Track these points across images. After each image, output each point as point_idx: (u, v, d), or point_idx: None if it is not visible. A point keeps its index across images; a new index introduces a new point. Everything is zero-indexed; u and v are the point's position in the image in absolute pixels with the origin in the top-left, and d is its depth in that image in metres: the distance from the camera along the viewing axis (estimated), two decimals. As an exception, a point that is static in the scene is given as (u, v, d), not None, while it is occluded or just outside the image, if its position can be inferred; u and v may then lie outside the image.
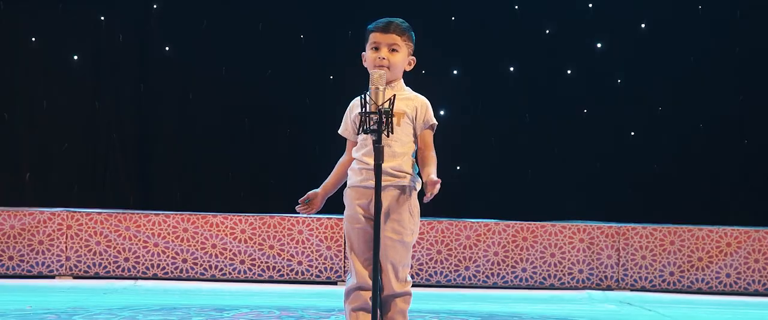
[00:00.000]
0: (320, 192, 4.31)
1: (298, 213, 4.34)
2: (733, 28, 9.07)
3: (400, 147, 4.20)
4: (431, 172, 4.15)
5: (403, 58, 4.27)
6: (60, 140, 8.98)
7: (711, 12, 9.09)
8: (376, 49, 4.24)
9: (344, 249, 8.16)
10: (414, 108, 4.25)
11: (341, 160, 4.35)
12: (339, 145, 4.47)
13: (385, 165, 4.10)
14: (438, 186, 4.07)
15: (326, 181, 4.34)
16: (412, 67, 4.33)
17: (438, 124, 4.34)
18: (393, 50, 4.23)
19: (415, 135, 4.27)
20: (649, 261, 8.24)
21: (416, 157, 4.31)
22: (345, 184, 4.31)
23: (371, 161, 3.98)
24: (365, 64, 4.33)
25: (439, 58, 8.88)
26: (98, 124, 9.05)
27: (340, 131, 4.36)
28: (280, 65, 9.07)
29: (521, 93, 9.11)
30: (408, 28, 4.27)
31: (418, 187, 4.27)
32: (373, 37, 4.24)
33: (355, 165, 4.25)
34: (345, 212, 4.28)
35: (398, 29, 4.23)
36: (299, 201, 4.30)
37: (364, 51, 4.33)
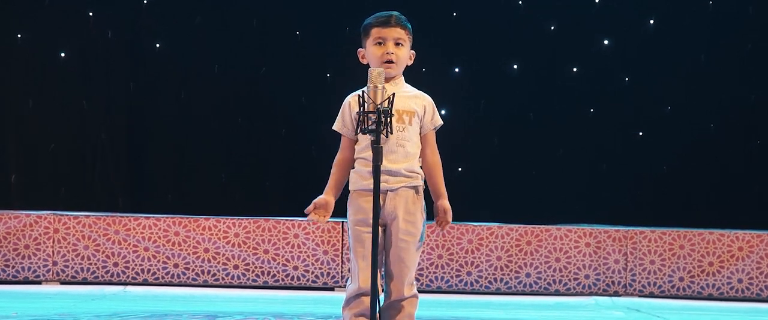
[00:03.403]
0: (331, 199, 4.23)
1: (308, 217, 4.26)
2: (745, 25, 9.06)
3: (412, 147, 4.23)
4: (443, 194, 4.24)
5: (407, 52, 4.28)
6: (47, 140, 8.96)
7: (722, 8, 9.08)
8: (380, 44, 4.23)
9: (341, 253, 8.15)
10: (423, 107, 4.26)
11: (338, 158, 4.31)
12: (337, 146, 4.45)
13: (398, 166, 4.16)
14: (450, 215, 4.21)
15: (331, 186, 4.25)
16: (412, 61, 4.34)
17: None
18: (398, 44, 4.23)
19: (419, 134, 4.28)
20: (658, 265, 8.23)
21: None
22: (346, 189, 4.30)
23: (383, 162, 3.97)
24: (364, 61, 4.32)
25: (439, 56, 8.87)
26: (87, 124, 9.03)
27: (334, 127, 4.32)
28: (276, 63, 9.06)
29: (525, 91, 9.10)
30: (407, 21, 4.28)
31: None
32: (376, 32, 4.23)
33: (361, 168, 4.22)
34: (351, 217, 4.25)
35: (400, 22, 4.24)
36: (309, 210, 4.22)
37: (361, 47, 4.32)
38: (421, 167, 4.28)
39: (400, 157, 4.17)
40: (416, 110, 4.23)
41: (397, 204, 4.18)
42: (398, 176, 4.17)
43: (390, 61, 4.19)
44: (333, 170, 4.29)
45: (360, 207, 4.21)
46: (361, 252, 4.20)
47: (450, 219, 4.25)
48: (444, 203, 4.24)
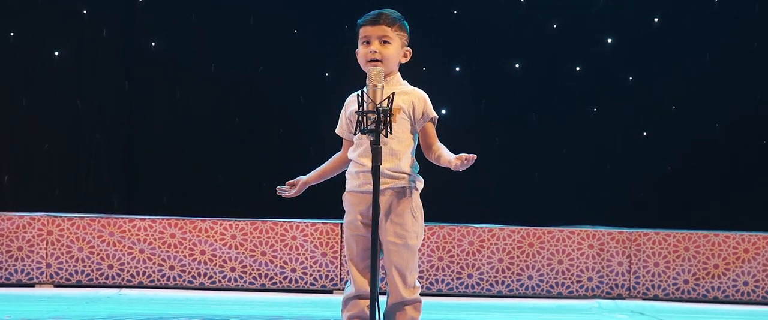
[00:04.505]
0: (304, 178, 4.35)
1: (277, 193, 4.38)
2: (751, 23, 9.05)
3: (396, 144, 4.19)
4: (452, 155, 4.12)
5: (396, 49, 4.25)
6: (40, 141, 8.95)
7: (727, 6, 9.07)
8: (367, 43, 4.23)
9: (340, 256, 8.15)
10: (410, 102, 4.23)
11: (336, 155, 4.38)
12: (335, 146, 4.46)
13: (381, 167, 4.09)
14: (470, 158, 4.01)
15: (314, 170, 4.39)
16: (408, 58, 4.32)
17: (438, 124, 4.35)
18: (384, 42, 4.21)
19: (413, 131, 4.26)
20: (662, 268, 8.22)
21: (416, 155, 4.31)
22: (343, 188, 4.31)
23: (368, 163, 3.97)
24: (359, 62, 4.32)
25: (440, 55, 8.86)
26: (81, 124, 9.02)
27: (336, 130, 4.37)
28: (273, 61, 9.06)
29: (527, 91, 9.09)
30: (399, 18, 4.25)
31: (420, 187, 4.27)
32: (363, 31, 4.24)
33: (351, 169, 4.24)
34: (344, 218, 4.28)
35: (388, 19, 4.22)
36: (286, 184, 4.35)
37: (358, 48, 4.33)
38: (413, 166, 4.25)
39: (384, 155, 4.12)
40: (402, 106, 4.20)
41: (382, 207, 4.15)
42: (382, 177, 4.12)
43: (374, 60, 4.18)
44: (328, 160, 4.38)
45: (349, 209, 4.22)
46: (349, 254, 4.23)
47: (466, 156, 4.05)
48: (457, 157, 4.10)
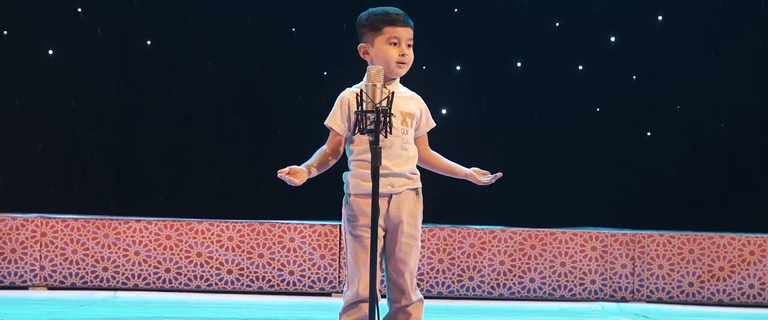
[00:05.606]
0: (307, 173, 4.20)
1: (279, 175, 4.17)
2: (757, 22, 9.03)
3: (412, 150, 4.30)
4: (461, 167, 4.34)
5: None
6: (34, 141, 8.93)
7: (732, 4, 9.05)
8: (395, 44, 4.23)
9: (339, 258, 8.12)
10: (419, 109, 4.31)
11: (322, 149, 4.33)
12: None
13: (402, 169, 4.20)
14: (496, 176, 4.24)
15: (310, 164, 4.23)
16: None
17: (440, 124, 4.41)
18: (409, 45, 4.28)
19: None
20: (667, 270, 8.20)
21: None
22: (340, 190, 4.30)
23: (389, 165, 4.02)
24: (366, 58, 4.30)
25: (440, 54, 8.84)
26: (76, 124, 9.01)
27: (327, 122, 4.33)
28: (271, 60, 9.04)
29: (529, 90, 9.08)
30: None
31: None
32: (392, 31, 4.23)
33: (363, 172, 4.19)
34: (352, 221, 4.23)
35: (409, 22, 4.29)
36: (284, 171, 4.15)
37: (361, 42, 4.30)
38: (418, 167, 4.31)
39: (404, 160, 4.22)
40: (414, 112, 4.27)
41: (401, 208, 4.21)
42: (402, 178, 4.20)
43: (402, 63, 4.23)
44: (316, 155, 4.26)
45: (364, 211, 4.18)
46: (364, 258, 4.17)
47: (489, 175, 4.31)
48: (472, 170, 4.33)
